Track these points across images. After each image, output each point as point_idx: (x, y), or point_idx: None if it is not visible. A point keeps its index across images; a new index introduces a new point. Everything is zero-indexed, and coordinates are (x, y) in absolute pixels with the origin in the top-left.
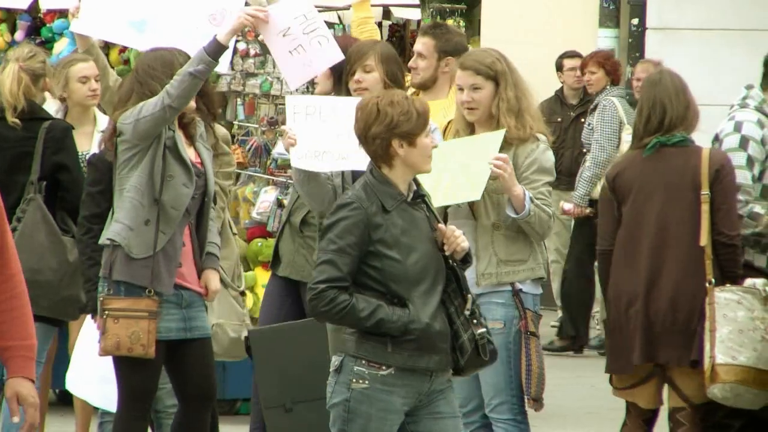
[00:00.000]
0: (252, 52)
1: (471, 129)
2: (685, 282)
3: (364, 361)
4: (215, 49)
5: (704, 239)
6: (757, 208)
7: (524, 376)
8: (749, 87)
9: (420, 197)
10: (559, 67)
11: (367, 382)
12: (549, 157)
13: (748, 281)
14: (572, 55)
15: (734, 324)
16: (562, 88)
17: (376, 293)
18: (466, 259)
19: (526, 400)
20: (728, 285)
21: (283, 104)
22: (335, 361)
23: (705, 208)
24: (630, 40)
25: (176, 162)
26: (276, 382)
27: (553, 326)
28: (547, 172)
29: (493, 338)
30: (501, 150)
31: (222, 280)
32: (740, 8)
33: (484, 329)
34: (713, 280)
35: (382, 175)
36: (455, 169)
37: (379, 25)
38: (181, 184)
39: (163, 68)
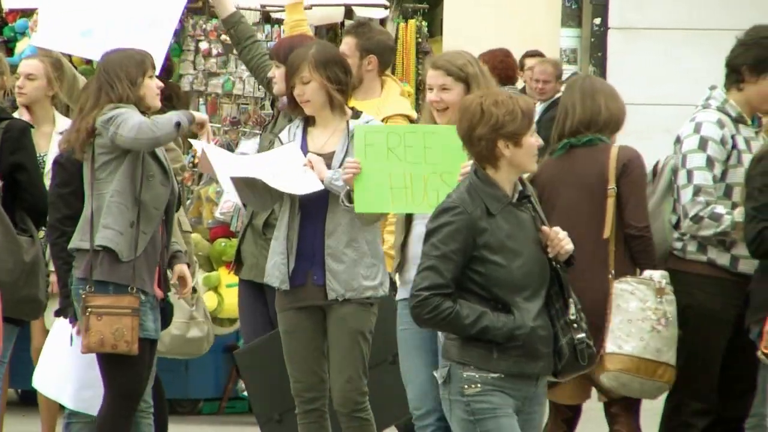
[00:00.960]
0: (214, 51)
1: None
2: (590, 276)
3: (472, 366)
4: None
5: (607, 232)
6: (719, 209)
7: None
8: (712, 87)
9: (526, 197)
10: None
11: (479, 385)
12: None
13: (646, 272)
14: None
15: (625, 314)
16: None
17: (479, 298)
18: (569, 261)
19: None
20: (627, 277)
21: (247, 103)
22: (442, 372)
23: (610, 201)
24: (592, 40)
25: (153, 161)
26: (265, 396)
27: None
28: None
29: None
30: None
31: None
32: (701, 8)
33: (583, 334)
34: (613, 272)
35: (486, 177)
36: (427, 175)
37: (342, 25)
38: (159, 183)
39: (136, 68)
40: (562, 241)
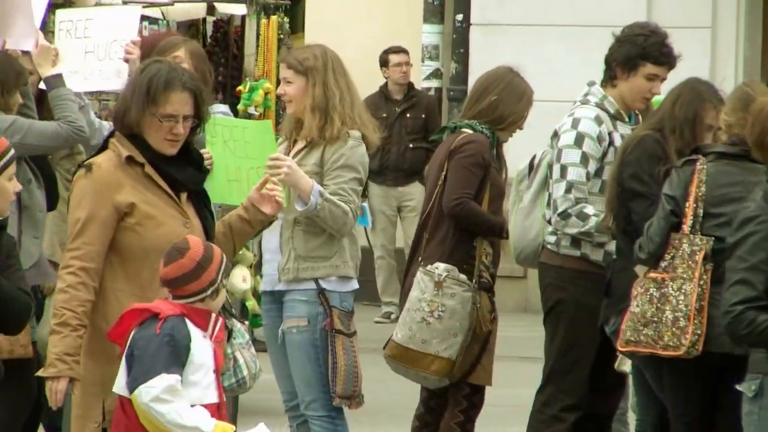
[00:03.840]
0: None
1: (299, 123)
2: (412, 261)
3: None
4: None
5: (420, 219)
6: (589, 209)
7: (330, 374)
8: (591, 83)
9: None
10: (384, 63)
11: None
12: (358, 154)
13: (435, 264)
14: (398, 50)
15: (408, 303)
16: (386, 83)
17: None
18: None
19: (333, 398)
20: (436, 264)
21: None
22: (751, 385)
23: (440, 184)
24: (454, 36)
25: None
26: None
27: (377, 322)
28: (353, 169)
29: (297, 336)
30: (310, 152)
31: None
32: (561, 4)
33: None
34: (420, 259)
35: None
36: (250, 170)
37: (203, 21)
38: (36, 187)
39: (16, 78)
40: None
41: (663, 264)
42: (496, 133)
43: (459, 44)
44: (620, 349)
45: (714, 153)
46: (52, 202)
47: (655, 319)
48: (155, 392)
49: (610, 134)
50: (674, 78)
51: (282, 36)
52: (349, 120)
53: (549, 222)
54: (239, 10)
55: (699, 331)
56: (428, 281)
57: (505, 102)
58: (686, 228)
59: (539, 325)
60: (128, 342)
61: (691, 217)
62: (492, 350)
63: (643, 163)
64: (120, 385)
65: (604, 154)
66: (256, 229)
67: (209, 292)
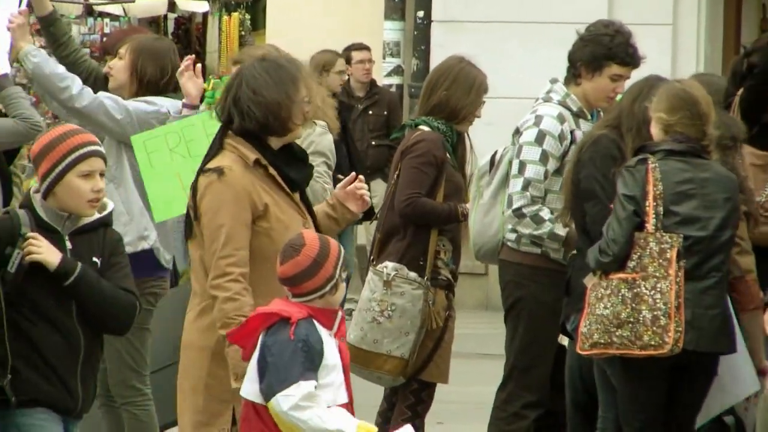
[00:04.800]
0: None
1: None
2: (370, 261)
3: None
4: None
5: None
6: (545, 213)
7: None
8: (554, 81)
9: None
10: (347, 60)
11: None
12: (326, 140)
13: (384, 263)
14: (361, 47)
15: (360, 303)
16: (348, 80)
17: None
18: None
19: None
20: (386, 263)
21: None
22: None
23: (392, 184)
24: (415, 33)
25: None
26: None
27: None
28: (323, 155)
29: None
30: None
31: None
32: (522, 1)
33: None
34: (372, 258)
35: None
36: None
37: (165, 18)
38: None
39: None
40: None
41: (631, 264)
42: (454, 128)
43: (420, 41)
44: (584, 353)
45: (662, 151)
46: (6, 200)
47: (632, 319)
48: (294, 400)
49: (572, 132)
50: (635, 75)
51: (243, 33)
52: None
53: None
54: (200, 7)
55: (680, 329)
56: (378, 281)
57: (456, 96)
58: (650, 227)
59: (500, 322)
60: (258, 347)
61: (653, 216)
62: (447, 348)
63: (598, 163)
64: (249, 391)
65: (566, 153)
66: (342, 227)
67: (327, 288)
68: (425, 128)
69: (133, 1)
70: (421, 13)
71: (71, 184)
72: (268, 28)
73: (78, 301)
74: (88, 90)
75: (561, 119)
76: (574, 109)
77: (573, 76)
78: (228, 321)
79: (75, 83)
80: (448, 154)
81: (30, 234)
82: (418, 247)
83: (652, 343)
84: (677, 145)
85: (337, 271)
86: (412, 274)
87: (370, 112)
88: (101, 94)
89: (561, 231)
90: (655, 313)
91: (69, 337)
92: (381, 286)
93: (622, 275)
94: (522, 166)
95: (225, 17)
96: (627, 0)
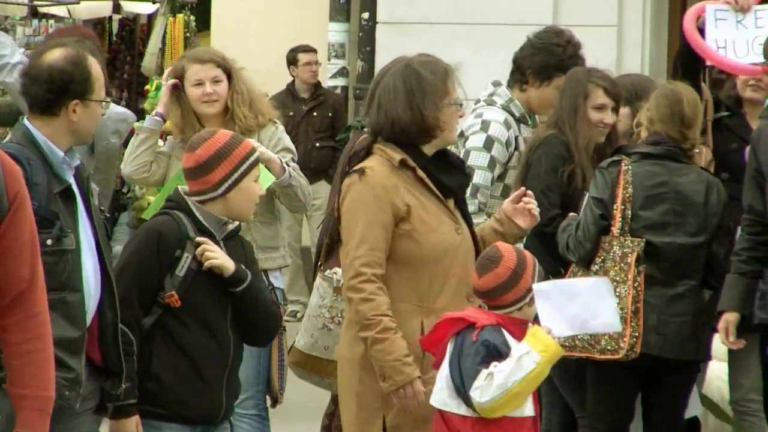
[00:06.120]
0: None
1: (231, 120)
2: (317, 266)
3: None
4: None
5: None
6: (476, 219)
7: (277, 369)
8: (496, 84)
9: None
10: (293, 62)
11: None
12: (288, 138)
13: (334, 269)
14: (307, 49)
15: (309, 309)
16: (293, 81)
17: None
18: None
19: (269, 397)
20: (335, 268)
21: None
22: None
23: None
24: (360, 34)
25: None
26: None
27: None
28: (290, 151)
29: None
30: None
31: None
32: (468, 3)
33: None
34: (320, 264)
35: None
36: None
37: (109, 19)
38: None
39: None
40: None
41: (594, 267)
42: None
43: (365, 42)
44: None
45: (638, 153)
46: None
47: None
48: (480, 384)
49: (516, 138)
50: None
51: (188, 35)
52: (267, 106)
53: None
54: (145, 8)
55: (636, 334)
56: (327, 287)
57: None
58: (615, 231)
59: None
60: (447, 354)
61: (620, 219)
62: None
63: (546, 163)
64: (437, 399)
65: (510, 159)
66: (509, 243)
67: (527, 300)
68: None
69: (78, 3)
70: (366, 15)
71: (248, 189)
72: (212, 30)
73: (240, 309)
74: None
75: (507, 125)
76: (517, 114)
77: (519, 81)
78: (367, 323)
79: (14, 56)
80: None
81: (199, 239)
82: None
83: (609, 347)
84: (653, 148)
85: (535, 282)
86: None
87: (315, 114)
88: None
89: None
90: None
91: (223, 343)
92: (331, 292)
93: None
94: (469, 171)
95: (170, 19)
96: (572, 1)
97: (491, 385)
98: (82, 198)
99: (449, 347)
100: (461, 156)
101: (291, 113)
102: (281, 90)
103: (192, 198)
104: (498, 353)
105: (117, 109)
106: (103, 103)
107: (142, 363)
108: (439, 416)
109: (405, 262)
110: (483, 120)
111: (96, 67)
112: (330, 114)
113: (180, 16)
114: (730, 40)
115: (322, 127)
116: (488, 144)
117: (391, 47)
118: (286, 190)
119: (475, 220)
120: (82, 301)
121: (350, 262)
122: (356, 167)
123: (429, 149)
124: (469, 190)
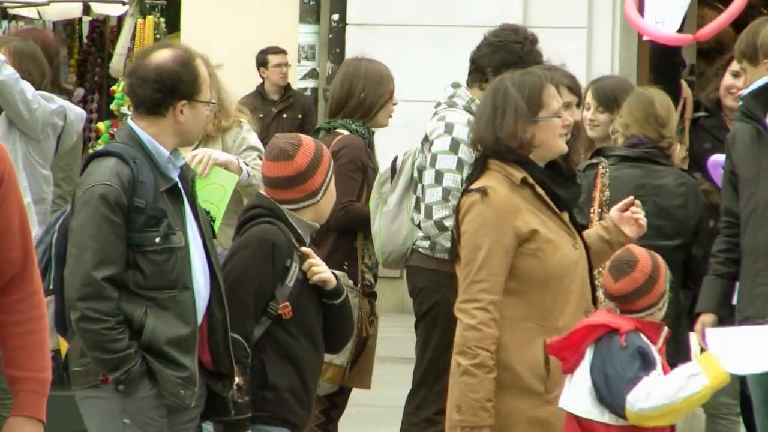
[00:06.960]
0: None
1: None
2: None
3: None
4: None
5: None
6: (449, 222)
7: None
8: (456, 85)
9: None
10: (263, 63)
11: None
12: (254, 136)
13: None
14: (277, 51)
15: None
16: (263, 83)
17: None
18: None
19: None
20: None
21: None
22: None
23: None
24: (330, 36)
25: None
26: None
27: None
28: (256, 149)
29: None
30: (206, 146)
31: None
32: (438, 5)
33: None
34: None
35: None
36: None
37: (80, 21)
38: None
39: None
40: None
41: None
42: (371, 128)
43: (335, 44)
44: None
45: (616, 156)
46: None
47: None
48: (641, 394)
49: None
50: None
51: (158, 36)
52: (233, 108)
53: (418, 226)
54: (115, 10)
55: None
56: None
57: (372, 93)
58: None
59: None
60: (588, 361)
61: (597, 223)
62: (371, 354)
63: None
64: (570, 403)
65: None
66: (614, 251)
67: (660, 304)
68: (343, 131)
69: (48, 4)
70: (336, 17)
71: (333, 191)
72: (182, 31)
73: (335, 321)
74: (8, 66)
75: (470, 126)
76: None
77: (479, 80)
78: (466, 350)
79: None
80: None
81: (305, 250)
82: (339, 254)
83: None
84: (631, 150)
85: (668, 286)
86: (350, 282)
87: (285, 116)
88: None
89: None
90: None
91: (319, 352)
92: None
93: None
94: (439, 175)
95: (139, 20)
96: (542, 3)
97: (656, 393)
98: (187, 198)
99: (588, 353)
100: (428, 160)
101: (261, 115)
102: (251, 92)
103: (285, 206)
104: (652, 360)
105: (52, 106)
106: (210, 104)
107: (255, 373)
108: (575, 424)
109: (530, 281)
110: (446, 123)
111: (203, 69)
112: (300, 116)
113: (150, 17)
114: (668, 16)
115: (292, 129)
116: (454, 146)
117: (361, 49)
118: (248, 189)
119: (447, 223)
120: (193, 299)
121: (468, 284)
122: (476, 186)
123: (540, 162)
124: (440, 194)
